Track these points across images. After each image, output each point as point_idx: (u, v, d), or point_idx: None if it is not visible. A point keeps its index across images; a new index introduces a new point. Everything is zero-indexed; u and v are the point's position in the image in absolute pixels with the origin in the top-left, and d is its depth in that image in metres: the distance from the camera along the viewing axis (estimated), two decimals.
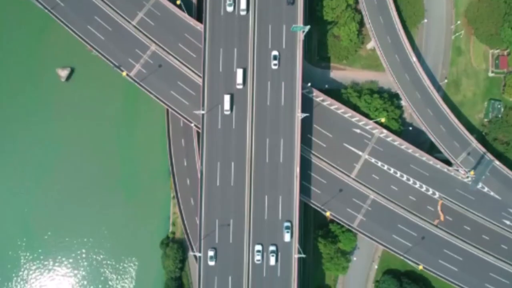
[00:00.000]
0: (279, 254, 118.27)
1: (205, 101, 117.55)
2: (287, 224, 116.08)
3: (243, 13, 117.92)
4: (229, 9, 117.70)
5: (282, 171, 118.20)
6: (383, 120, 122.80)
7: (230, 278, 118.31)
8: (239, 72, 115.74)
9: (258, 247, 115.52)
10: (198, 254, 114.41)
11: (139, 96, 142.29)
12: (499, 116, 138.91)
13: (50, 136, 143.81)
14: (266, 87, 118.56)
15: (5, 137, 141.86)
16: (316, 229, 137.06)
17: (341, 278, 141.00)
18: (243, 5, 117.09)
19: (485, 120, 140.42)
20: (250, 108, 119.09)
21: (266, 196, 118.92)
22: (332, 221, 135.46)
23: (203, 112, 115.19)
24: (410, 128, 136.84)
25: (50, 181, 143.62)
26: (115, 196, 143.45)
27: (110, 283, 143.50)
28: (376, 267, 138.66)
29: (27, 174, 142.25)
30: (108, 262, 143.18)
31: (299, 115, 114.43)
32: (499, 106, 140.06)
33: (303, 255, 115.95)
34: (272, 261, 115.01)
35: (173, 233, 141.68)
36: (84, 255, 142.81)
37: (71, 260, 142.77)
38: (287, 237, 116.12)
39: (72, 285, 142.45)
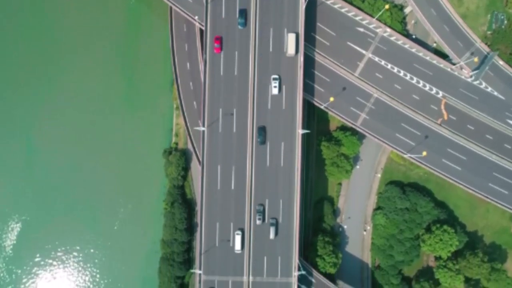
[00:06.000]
0: (283, 144, 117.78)
1: None
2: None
3: None
4: None
5: (285, 62, 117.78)
6: (387, 7, 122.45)
7: (233, 168, 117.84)
8: None
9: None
10: (202, 129, 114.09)
11: (142, 5, 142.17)
12: (502, 27, 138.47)
13: (51, 52, 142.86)
14: None
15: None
16: (320, 135, 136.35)
17: (343, 190, 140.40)
18: None
19: (488, 32, 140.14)
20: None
21: (270, 86, 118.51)
22: (335, 129, 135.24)
23: None
24: (414, 36, 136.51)
25: (52, 95, 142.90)
26: (118, 110, 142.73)
27: (113, 196, 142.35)
28: (379, 176, 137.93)
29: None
30: (110, 177, 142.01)
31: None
32: (502, 17, 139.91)
33: (307, 131, 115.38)
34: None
35: (176, 143, 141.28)
36: (83, 170, 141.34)
37: (71, 173, 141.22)
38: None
39: (73, 200, 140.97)
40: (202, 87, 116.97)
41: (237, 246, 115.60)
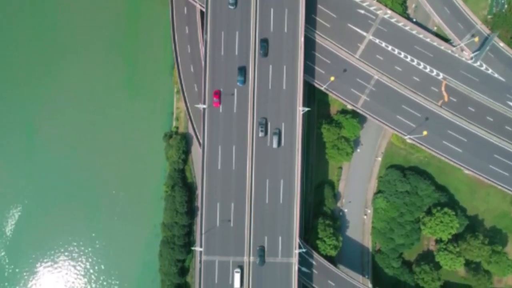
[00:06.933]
0: (283, 125, 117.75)
1: None
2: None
3: None
4: None
5: (286, 42, 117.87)
6: None
7: (234, 148, 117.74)
8: None
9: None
10: (203, 106, 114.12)
11: None
12: (503, 11, 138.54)
13: (51, 45, 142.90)
14: None
15: None
16: (320, 119, 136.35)
17: (344, 174, 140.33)
18: None
19: (489, 16, 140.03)
20: None
21: (270, 67, 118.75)
22: (336, 113, 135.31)
23: None
24: (414, 20, 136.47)
25: (53, 87, 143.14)
26: (118, 95, 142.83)
27: (113, 180, 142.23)
28: (379, 160, 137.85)
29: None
30: (110, 161, 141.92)
31: None
32: (502, 1, 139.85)
33: (308, 109, 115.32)
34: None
35: (177, 127, 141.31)
36: (84, 155, 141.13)
37: (72, 158, 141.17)
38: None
39: (75, 185, 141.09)
40: (203, 65, 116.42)
41: (236, 284, 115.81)
